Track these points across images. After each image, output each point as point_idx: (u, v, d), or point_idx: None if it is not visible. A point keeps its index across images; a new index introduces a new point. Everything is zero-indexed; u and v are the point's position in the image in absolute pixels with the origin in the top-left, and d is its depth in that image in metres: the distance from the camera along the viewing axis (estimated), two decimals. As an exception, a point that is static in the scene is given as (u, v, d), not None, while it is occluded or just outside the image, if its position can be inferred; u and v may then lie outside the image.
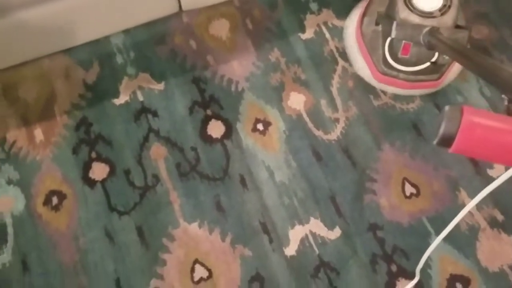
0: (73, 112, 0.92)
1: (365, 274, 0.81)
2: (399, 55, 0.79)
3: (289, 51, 0.97)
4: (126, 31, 0.98)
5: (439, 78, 0.84)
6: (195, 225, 0.85)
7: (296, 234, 0.84)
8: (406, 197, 0.86)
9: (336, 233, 0.84)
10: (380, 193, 0.86)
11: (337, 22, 1.00)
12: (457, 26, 0.78)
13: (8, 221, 0.84)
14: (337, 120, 0.92)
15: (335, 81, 0.95)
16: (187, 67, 0.96)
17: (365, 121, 0.92)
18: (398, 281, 0.81)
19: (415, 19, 0.75)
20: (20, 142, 0.90)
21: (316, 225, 0.84)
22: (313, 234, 0.84)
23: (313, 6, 1.02)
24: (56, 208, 0.85)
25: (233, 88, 0.95)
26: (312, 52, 0.97)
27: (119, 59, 0.96)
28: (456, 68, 0.87)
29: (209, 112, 0.93)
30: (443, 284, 0.80)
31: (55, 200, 0.86)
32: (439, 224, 0.83)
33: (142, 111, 0.93)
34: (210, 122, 0.92)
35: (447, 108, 0.30)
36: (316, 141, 0.90)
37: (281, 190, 0.87)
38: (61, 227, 0.84)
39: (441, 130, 0.30)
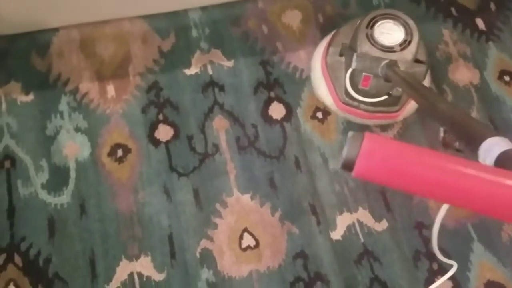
0: (146, 75, 0.97)
1: (406, 268, 0.84)
2: (360, 86, 0.82)
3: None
4: (204, 8, 1.03)
5: (398, 110, 0.87)
6: (247, 196, 0.89)
7: (343, 220, 0.87)
8: (453, 201, 0.89)
9: (383, 225, 0.87)
10: (429, 194, 0.89)
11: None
12: (417, 61, 0.81)
13: (72, 165, 0.89)
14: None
15: (397, 84, 0.99)
16: (257, 50, 1.01)
17: (421, 125, 0.95)
18: (437, 278, 0.83)
19: (375, 53, 0.78)
20: (92, 95, 0.95)
21: (364, 215, 0.88)
22: (360, 223, 0.87)
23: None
24: (120, 160, 0.90)
25: (297, 76, 0.99)
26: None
27: (194, 33, 1.01)
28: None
29: (272, 94, 0.97)
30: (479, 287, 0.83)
31: (119, 152, 0.90)
32: (482, 230, 0.86)
33: (210, 84, 0.97)
34: (272, 104, 0.96)
35: (350, 134, 0.31)
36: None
37: (333, 178, 0.90)
38: (122, 178, 0.88)
39: (343, 155, 0.30)
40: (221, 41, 1.01)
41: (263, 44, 1.02)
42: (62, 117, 0.92)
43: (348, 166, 0.31)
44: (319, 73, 0.90)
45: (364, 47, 0.78)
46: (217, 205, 0.88)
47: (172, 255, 0.83)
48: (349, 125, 0.94)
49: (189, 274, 0.82)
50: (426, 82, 0.89)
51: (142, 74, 0.97)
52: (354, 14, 1.05)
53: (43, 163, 0.88)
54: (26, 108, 0.93)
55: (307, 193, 0.89)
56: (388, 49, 0.78)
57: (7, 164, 0.88)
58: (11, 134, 0.90)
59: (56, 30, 0.99)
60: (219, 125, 0.94)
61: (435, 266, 0.84)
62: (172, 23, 1.02)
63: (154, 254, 0.83)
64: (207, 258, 0.84)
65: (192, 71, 0.98)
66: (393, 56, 0.77)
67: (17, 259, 0.81)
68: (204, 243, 0.85)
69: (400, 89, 0.81)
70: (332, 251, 0.85)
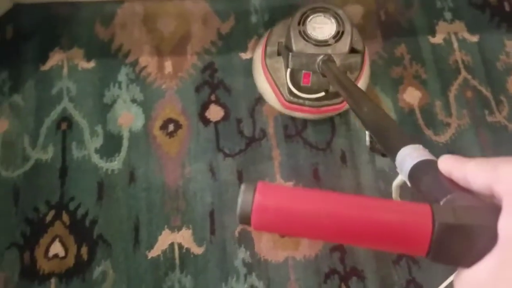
0: (203, 55, 0.99)
1: (445, 274, 0.83)
2: (301, 84, 0.81)
3: (415, 49, 1.00)
4: (266, -6, 1.04)
5: (342, 101, 0.85)
6: (290, 184, 0.89)
7: (385, 219, 0.86)
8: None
9: (425, 228, 0.86)
10: (476, 203, 0.88)
11: (467, 36, 1.01)
12: (353, 50, 0.79)
13: (125, 134, 0.92)
14: (448, 124, 0.94)
15: (454, 88, 0.97)
16: (314, 41, 1.01)
17: (475, 133, 0.93)
18: None
19: (310, 49, 0.77)
20: (150, 69, 0.97)
21: (406, 216, 0.86)
22: (402, 224, 0.86)
23: (447, 15, 1.04)
24: (170, 134, 0.92)
25: (353, 70, 0.98)
26: (437, 57, 0.99)
27: (253, 19, 1.02)
28: (360, 86, 0.87)
29: (326, 86, 0.97)
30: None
31: (171, 127, 0.92)
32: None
33: (264, 70, 0.98)
34: (324, 96, 0.96)
35: (242, 186, 0.29)
36: (423, 139, 0.92)
37: (378, 175, 0.90)
38: (171, 152, 0.91)
39: (237, 210, 0.28)
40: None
41: (321, 35, 1.01)
42: (120, 87, 0.95)
43: (244, 220, 0.29)
44: (261, 75, 0.88)
45: (299, 44, 0.77)
46: (260, 189, 0.89)
47: (212, 231, 0.85)
48: (401, 125, 0.93)
49: (226, 252, 0.84)
50: (366, 73, 0.88)
51: (199, 54, 0.99)
52: (415, 16, 1.03)
53: (98, 129, 0.91)
54: (87, 74, 0.96)
55: (351, 188, 0.89)
56: (323, 43, 0.77)
57: (63, 125, 0.91)
58: (70, 97, 0.94)
59: (121, 2, 1.02)
60: (269, 111, 0.95)
61: (475, 276, 0.82)
62: (233, 7, 1.03)
63: (195, 228, 0.85)
64: (246, 239, 0.85)
65: (247, 55, 0.99)
66: (328, 50, 0.76)
67: (65, 217, 0.85)
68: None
69: None
70: (370, 249, 0.84)
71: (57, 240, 0.83)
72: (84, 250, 0.82)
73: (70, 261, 0.81)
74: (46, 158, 0.89)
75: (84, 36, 1.00)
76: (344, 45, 0.77)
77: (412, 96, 0.96)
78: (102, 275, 0.80)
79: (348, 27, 0.79)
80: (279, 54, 0.86)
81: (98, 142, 0.91)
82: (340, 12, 0.81)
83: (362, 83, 0.88)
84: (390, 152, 0.43)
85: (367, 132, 0.53)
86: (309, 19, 0.80)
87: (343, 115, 0.94)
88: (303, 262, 0.84)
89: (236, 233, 0.85)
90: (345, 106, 0.88)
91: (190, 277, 0.81)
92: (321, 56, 0.75)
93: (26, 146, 0.89)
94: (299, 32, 0.78)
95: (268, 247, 0.85)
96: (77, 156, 0.89)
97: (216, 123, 0.93)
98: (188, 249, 0.84)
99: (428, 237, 0.27)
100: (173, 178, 0.89)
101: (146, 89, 0.95)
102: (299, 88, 0.83)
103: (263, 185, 0.29)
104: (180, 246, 0.84)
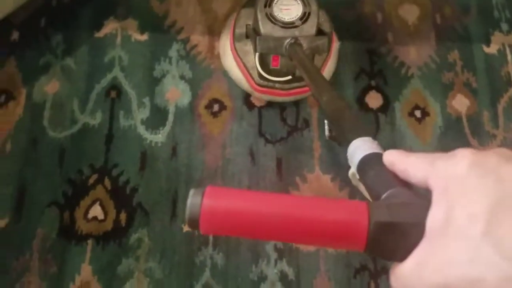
0: (254, 38, 0.99)
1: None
2: (271, 67, 0.81)
3: (468, 57, 0.99)
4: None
5: None
6: (328, 177, 0.90)
7: (420, 222, 0.86)
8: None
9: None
10: None
11: (522, 48, 1.00)
12: (321, 32, 0.79)
13: (171, 109, 0.93)
14: (494, 136, 0.93)
15: (504, 100, 0.95)
16: (366, 36, 1.00)
17: (521, 145, 0.92)
18: None
19: (278, 31, 0.76)
20: (201, 48, 0.98)
21: (442, 222, 0.86)
22: (437, 229, 0.86)
23: (504, 26, 1.02)
24: (214, 114, 0.93)
25: (403, 71, 0.98)
26: (489, 67, 0.98)
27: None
28: (327, 70, 0.88)
29: (373, 83, 0.97)
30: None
31: (216, 107, 0.93)
32: None
33: (314, 61, 0.98)
34: (370, 92, 0.96)
35: (191, 191, 0.30)
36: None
37: (418, 178, 0.89)
38: (214, 132, 0.92)
39: (186, 214, 0.29)
40: (332, 22, 1.01)
41: (374, 32, 1.01)
42: (170, 62, 0.96)
43: (192, 224, 0.30)
44: (231, 58, 0.88)
45: (266, 27, 0.77)
46: (297, 178, 0.89)
47: (247, 214, 0.86)
48: (447, 131, 0.93)
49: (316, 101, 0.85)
50: (334, 55, 0.88)
51: (251, 38, 0.99)
52: (471, 23, 1.02)
53: (146, 101, 0.93)
54: (139, 46, 0.97)
55: (389, 187, 0.89)
56: (290, 25, 0.77)
57: (113, 94, 0.93)
58: (122, 67, 0.95)
59: (179, -21, 1.03)
60: (313, 102, 0.95)
61: None
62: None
63: (230, 209, 0.86)
64: (279, 226, 0.86)
65: (299, 44, 0.99)
66: (295, 32, 0.76)
67: (107, 182, 0.87)
68: (279, 210, 0.87)
69: None
70: (403, 250, 0.84)
71: (97, 203, 0.85)
72: (122, 216, 0.84)
73: (109, 225, 0.83)
74: (93, 123, 0.90)
75: (140, 8, 1.01)
76: (311, 27, 0.78)
77: (460, 103, 0.95)
78: (138, 242, 0.82)
79: (314, 8, 0.79)
80: (247, 37, 0.86)
81: (144, 113, 0.92)
82: None
83: (330, 66, 0.89)
84: (344, 144, 0.44)
85: (326, 121, 0.54)
86: (275, 0, 0.80)
87: (389, 115, 0.94)
88: (334, 254, 0.84)
89: (270, 219, 0.86)
90: None
91: (222, 255, 0.83)
92: (288, 40, 0.75)
93: (75, 110, 0.91)
94: (266, 14, 0.78)
95: (301, 236, 0.85)
96: (124, 125, 0.91)
97: (260, 108, 0.94)
98: (222, 228, 0.85)
99: (364, 234, 0.28)
100: (214, 157, 0.90)
101: (195, 67, 0.96)
102: (268, 71, 0.83)
103: (211, 190, 0.31)
104: (215, 224, 0.85)
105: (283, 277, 0.82)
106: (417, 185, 0.29)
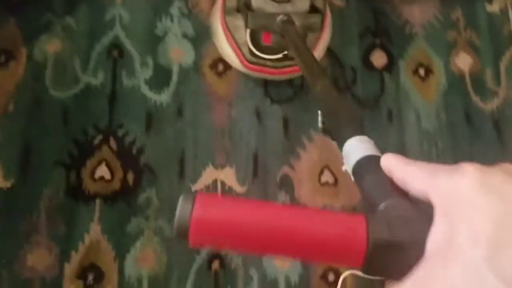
0: (258, -4, 0.97)
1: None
2: (262, 43, 0.79)
3: (471, 15, 0.99)
4: None
5: None
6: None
7: (425, 178, 0.88)
8: (539, 186, 0.89)
9: (463, 192, 0.87)
10: (516, 173, 0.89)
11: (524, 6, 1.00)
12: (314, 8, 0.77)
13: (175, 69, 0.91)
14: (496, 94, 0.94)
15: (506, 58, 0.96)
16: (370, -5, 0.99)
17: (522, 103, 0.94)
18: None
19: (270, 6, 0.74)
20: (203, 5, 0.96)
21: (446, 178, 0.88)
22: (441, 185, 0.88)
23: (506, -17, 1.02)
24: (219, 74, 0.92)
25: (407, 30, 0.97)
26: (491, 25, 0.98)
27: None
28: (320, 48, 0.85)
29: (377, 41, 0.96)
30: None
31: (220, 67, 0.92)
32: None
33: (318, 19, 0.97)
34: (375, 51, 0.96)
35: (181, 197, 0.27)
36: (470, 105, 0.93)
37: (423, 136, 0.91)
38: (219, 92, 0.91)
39: (174, 223, 0.27)
40: (336, -21, 1.00)
41: (378, -10, 1.00)
42: (172, 20, 0.94)
43: (181, 234, 0.27)
44: (221, 33, 0.84)
45: (258, 1, 0.75)
46: (303, 138, 0.89)
47: (255, 173, 0.86)
48: (450, 89, 0.93)
49: (267, 193, 0.85)
50: (327, 33, 0.85)
51: None
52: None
53: (149, 60, 0.91)
54: (140, 4, 0.94)
55: (394, 146, 0.90)
56: (282, 0, 0.75)
57: (114, 53, 0.91)
58: (122, 25, 0.93)
59: None
60: (320, 61, 0.94)
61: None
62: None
63: (238, 168, 0.86)
64: (286, 184, 0.87)
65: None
66: (288, 7, 0.74)
67: (112, 142, 0.85)
68: (285, 169, 0.87)
69: None
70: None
71: (103, 163, 0.84)
72: (130, 176, 0.84)
73: (116, 184, 0.83)
74: (96, 83, 0.88)
75: (138, -35, 0.97)
76: (304, 3, 0.75)
77: (463, 61, 0.96)
78: (146, 201, 0.82)
79: None
80: (238, 11, 0.82)
81: (147, 73, 0.90)
82: None
83: (322, 44, 0.85)
84: (339, 142, 0.41)
85: (319, 112, 0.51)
86: None
87: (394, 73, 0.94)
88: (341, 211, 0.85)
89: (278, 178, 0.87)
90: None
91: (231, 213, 0.83)
92: (281, 16, 0.73)
93: (77, 69, 0.89)
94: None
95: (308, 193, 0.86)
96: (127, 84, 0.89)
97: (266, 67, 0.93)
98: (230, 187, 0.85)
99: (363, 252, 0.27)
100: (220, 117, 0.89)
101: (198, 26, 0.94)
102: (260, 48, 0.80)
103: (202, 197, 0.28)
104: (223, 184, 0.85)
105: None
106: (416, 196, 0.28)
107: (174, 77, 0.91)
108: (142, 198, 0.82)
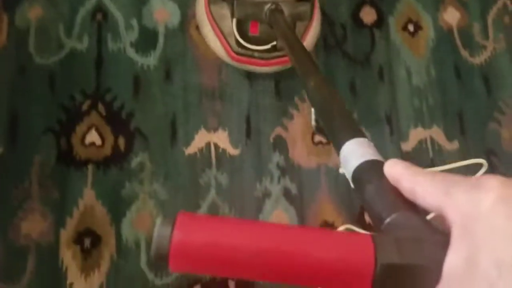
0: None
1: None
2: (249, 33, 0.76)
3: (459, -31, 0.98)
4: None
5: None
6: (326, 95, 0.90)
7: (416, 134, 0.89)
8: (527, 137, 0.91)
9: (454, 145, 0.89)
10: (505, 125, 0.91)
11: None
12: None
13: (161, 31, 0.89)
14: (484, 47, 0.94)
15: (493, 12, 0.96)
16: (358, -49, 0.97)
17: (510, 58, 0.94)
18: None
19: None
20: (187, -35, 0.93)
21: (437, 133, 0.89)
22: (432, 140, 0.89)
23: None
24: (208, 35, 0.90)
25: (396, -15, 0.96)
26: (479, -21, 0.98)
27: None
28: (310, 37, 0.83)
29: (366, -2, 0.95)
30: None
31: (208, 27, 0.90)
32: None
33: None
34: (364, 7, 0.95)
35: (158, 220, 0.25)
36: (460, 60, 0.93)
37: (414, 92, 0.91)
38: (208, 53, 0.89)
39: (152, 249, 0.24)
40: None
41: None
42: (155, -20, 0.91)
43: (160, 260, 0.24)
44: (206, 23, 0.81)
45: None
46: (296, 99, 0.89)
47: (248, 134, 0.86)
48: (439, 44, 0.93)
49: (261, 155, 0.85)
50: (317, 22, 0.83)
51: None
52: None
53: (134, 22, 0.89)
54: (121, -35, 0.91)
55: (385, 103, 0.90)
56: None
57: (99, 16, 0.88)
58: (105, -12, 0.90)
59: None
60: (309, 20, 0.93)
61: (497, 192, 0.87)
62: None
63: (231, 130, 0.86)
64: (280, 145, 0.86)
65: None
66: None
67: (101, 107, 0.84)
68: (278, 130, 0.87)
69: None
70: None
71: (93, 129, 0.82)
72: (121, 141, 0.82)
73: (107, 150, 0.82)
74: (81, 48, 0.86)
75: None
76: None
77: (451, 16, 0.95)
78: (140, 166, 0.81)
79: None
80: (223, 0, 0.79)
81: (133, 36, 0.88)
82: None
83: (312, 33, 0.82)
84: (334, 143, 0.38)
85: (313, 110, 0.48)
86: None
87: (384, 30, 0.93)
88: (334, 170, 0.86)
89: (271, 139, 0.86)
90: None
91: (226, 175, 0.83)
92: (269, 5, 0.69)
93: (61, 35, 0.86)
94: None
95: (302, 153, 0.86)
96: (113, 48, 0.87)
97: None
98: (224, 150, 0.85)
99: (370, 278, 0.24)
100: (210, 79, 0.88)
101: (183, -14, 0.92)
102: (247, 39, 0.77)
103: (184, 218, 0.24)
104: (216, 146, 0.85)
105: (286, 192, 0.84)
106: (427, 208, 0.25)
107: (161, 39, 0.89)
108: (135, 162, 0.82)
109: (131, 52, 0.87)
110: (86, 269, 0.76)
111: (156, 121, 0.84)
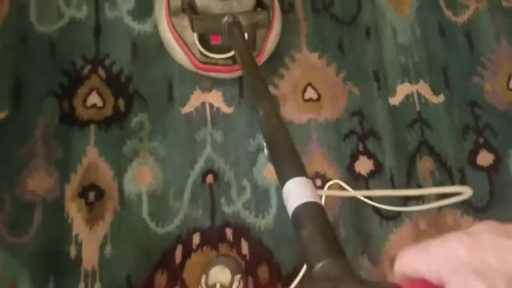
0: None
1: (455, 137, 0.90)
2: (211, 43, 0.77)
3: None
4: None
5: (257, 55, 0.81)
6: (315, 55, 0.94)
7: (403, 89, 0.93)
8: (508, 88, 0.94)
9: (440, 99, 0.92)
10: (487, 78, 0.94)
11: None
12: (260, 4, 0.75)
13: None
14: (467, 6, 0.98)
15: (475, -27, 1.00)
16: None
17: (491, 16, 0.98)
18: (481, 151, 0.90)
19: (214, 6, 0.71)
20: None
21: (423, 88, 0.93)
22: (419, 94, 0.92)
23: None
24: (200, 1, 0.94)
25: (379, -49, 1.00)
26: None
27: None
28: (271, 42, 0.83)
29: (352, -35, 0.99)
30: (520, 165, 0.90)
31: (201, -6, 0.94)
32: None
33: None
34: (350, -26, 0.99)
35: None
36: (443, 19, 0.97)
37: (400, 50, 0.95)
38: (201, 18, 0.93)
39: None
40: None
41: None
42: (150, -48, 0.95)
43: None
44: (169, 35, 0.81)
45: (203, 1, 0.71)
46: (286, 59, 0.93)
47: (240, 94, 0.90)
48: (424, 4, 0.97)
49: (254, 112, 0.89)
50: (276, 29, 0.84)
51: None
52: None
53: (130, -9, 0.93)
54: None
55: (373, 61, 0.94)
56: None
57: (96, -13, 0.92)
58: (101, -40, 0.94)
59: None
60: (297, -14, 0.97)
61: (481, 140, 0.91)
62: None
63: (224, 90, 0.89)
64: (272, 102, 0.90)
65: None
66: (234, 3, 0.71)
67: (101, 71, 0.88)
68: (270, 88, 0.91)
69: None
70: (388, 114, 0.91)
71: (94, 91, 0.87)
72: (121, 102, 0.87)
73: (108, 111, 0.86)
74: (80, 16, 0.90)
75: None
76: (248, 1, 0.72)
77: (435, -23, 0.99)
78: (139, 125, 0.85)
79: None
80: (183, 10, 0.78)
81: (130, 4, 0.92)
82: None
83: (272, 39, 0.83)
84: (278, 178, 0.38)
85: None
86: None
87: (369, -8, 0.97)
88: (324, 124, 0.90)
89: (263, 97, 0.90)
90: (261, 60, 0.82)
91: (220, 132, 0.87)
92: (226, 18, 0.69)
93: (60, 4, 0.90)
94: None
95: (293, 109, 0.90)
96: (110, 16, 0.91)
97: (245, -6, 0.95)
98: (218, 108, 0.89)
99: None
100: (204, 42, 0.92)
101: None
102: (209, 48, 0.77)
103: None
104: (211, 106, 0.89)
105: (279, 147, 0.87)
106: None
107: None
108: (135, 122, 0.86)
109: (128, 20, 0.91)
110: (91, 221, 0.80)
111: (153, 83, 0.88)
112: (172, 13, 0.79)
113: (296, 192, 0.35)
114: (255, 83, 0.54)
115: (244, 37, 0.68)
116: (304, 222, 0.32)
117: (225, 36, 0.73)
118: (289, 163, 0.39)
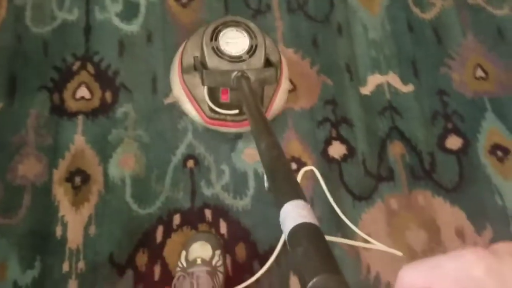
0: None
1: (424, 124, 0.95)
2: (221, 100, 0.80)
3: None
4: None
5: (265, 111, 0.85)
6: (291, 50, 1.00)
7: (374, 79, 0.98)
8: (475, 78, 0.99)
9: (409, 88, 0.97)
10: (455, 69, 0.99)
11: None
12: (269, 62, 0.79)
13: (142, 2, 1.01)
14: (433, 4, 1.05)
15: (440, -26, 1.07)
16: None
17: (457, 13, 1.04)
18: (450, 136, 0.94)
19: (225, 65, 0.74)
20: None
21: (393, 78, 0.98)
22: (389, 84, 0.98)
23: None
24: (184, 5, 1.01)
25: (350, -43, 1.08)
26: None
27: None
28: (278, 99, 0.86)
29: (325, -31, 1.07)
30: (487, 147, 0.94)
31: (184, -2, 1.02)
32: (497, 105, 0.96)
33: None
34: (323, -23, 1.06)
35: None
36: (411, 16, 1.03)
37: (370, 45, 1.01)
38: (185, 21, 1.00)
39: None
40: None
41: None
42: (137, -39, 1.04)
43: None
44: (181, 90, 0.85)
45: (213, 61, 0.75)
46: (264, 55, 0.99)
47: (221, 86, 0.95)
48: (393, 3, 1.04)
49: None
50: (284, 85, 0.87)
51: None
52: None
53: (118, -4, 1.01)
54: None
55: (345, 55, 1.00)
56: (237, 59, 0.75)
57: (87, -8, 1.00)
58: (92, -31, 1.02)
59: None
60: (274, -11, 1.04)
61: (449, 125, 0.95)
62: None
63: (205, 83, 0.95)
64: (250, 94, 0.96)
65: None
66: (243, 65, 0.74)
67: (90, 67, 0.94)
68: (249, 81, 0.97)
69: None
70: (360, 103, 0.96)
71: (83, 85, 0.93)
72: (108, 94, 0.93)
73: (96, 102, 0.92)
74: (71, 18, 0.98)
75: None
76: (258, 59, 0.75)
77: (403, -22, 1.06)
78: (124, 115, 0.91)
79: (261, 40, 0.77)
80: (195, 68, 0.83)
81: (118, 7, 1.00)
82: (251, 25, 0.79)
83: (280, 95, 0.86)
84: (276, 203, 0.39)
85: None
86: (221, 33, 0.77)
87: (341, -8, 1.04)
88: (299, 112, 0.95)
89: (242, 90, 0.96)
90: (268, 115, 0.85)
91: (201, 121, 0.92)
92: (235, 72, 0.73)
93: (54, 8, 0.98)
94: (212, 48, 0.76)
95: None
96: (100, 18, 0.98)
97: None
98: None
99: None
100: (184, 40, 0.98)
101: (161, -35, 1.04)
102: (219, 104, 0.80)
103: None
104: (193, 97, 0.94)
105: (257, 135, 0.92)
106: None
107: (142, 10, 1.00)
108: (120, 112, 0.91)
109: (116, 21, 0.99)
110: (77, 203, 0.84)
111: (138, 77, 0.95)
112: (184, 70, 0.83)
113: (293, 214, 0.36)
114: (258, 122, 0.57)
115: (249, 85, 0.71)
116: (300, 240, 0.32)
117: (234, 92, 0.77)
118: (287, 188, 0.40)
